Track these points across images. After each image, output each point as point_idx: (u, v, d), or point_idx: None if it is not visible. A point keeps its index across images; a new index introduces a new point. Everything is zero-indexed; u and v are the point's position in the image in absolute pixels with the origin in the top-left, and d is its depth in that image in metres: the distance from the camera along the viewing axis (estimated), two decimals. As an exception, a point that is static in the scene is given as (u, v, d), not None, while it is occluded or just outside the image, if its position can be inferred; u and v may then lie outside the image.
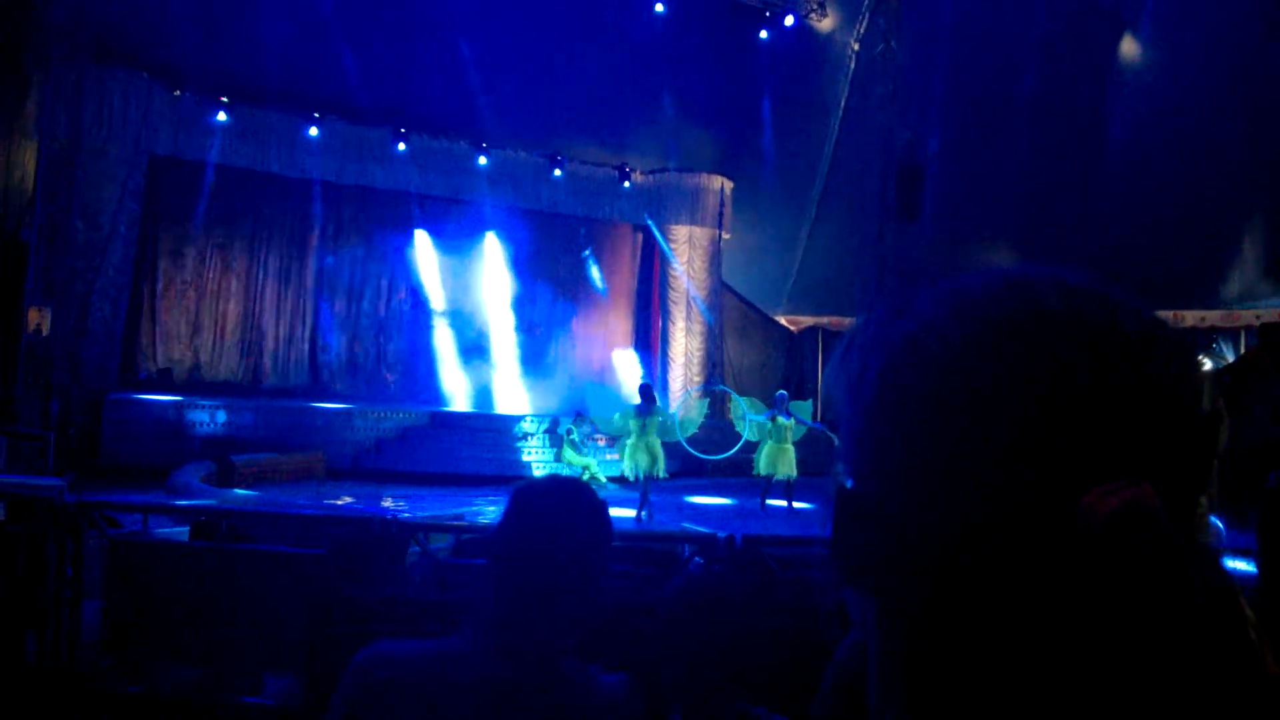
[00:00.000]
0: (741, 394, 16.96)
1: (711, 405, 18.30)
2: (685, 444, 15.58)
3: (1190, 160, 18.05)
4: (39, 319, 14.84)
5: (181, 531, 5.15)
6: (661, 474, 12.77)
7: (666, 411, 14.15)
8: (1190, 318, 19.75)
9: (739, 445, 15.67)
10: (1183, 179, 18.12)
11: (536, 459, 16.61)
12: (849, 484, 0.62)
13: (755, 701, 1.61)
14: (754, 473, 13.89)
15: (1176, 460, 0.56)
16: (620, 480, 14.04)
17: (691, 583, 1.72)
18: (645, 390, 12.97)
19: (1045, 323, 0.57)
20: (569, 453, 14.54)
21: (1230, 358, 19.65)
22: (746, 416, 14.52)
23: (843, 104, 21.80)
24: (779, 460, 13.28)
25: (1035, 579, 0.53)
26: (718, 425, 17.61)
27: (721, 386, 19.22)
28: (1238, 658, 0.49)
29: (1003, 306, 0.58)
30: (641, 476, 12.50)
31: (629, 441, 12.66)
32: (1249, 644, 0.49)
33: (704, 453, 16.18)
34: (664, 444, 12.94)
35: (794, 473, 13.33)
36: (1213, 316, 19.78)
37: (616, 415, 13.00)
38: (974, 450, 0.55)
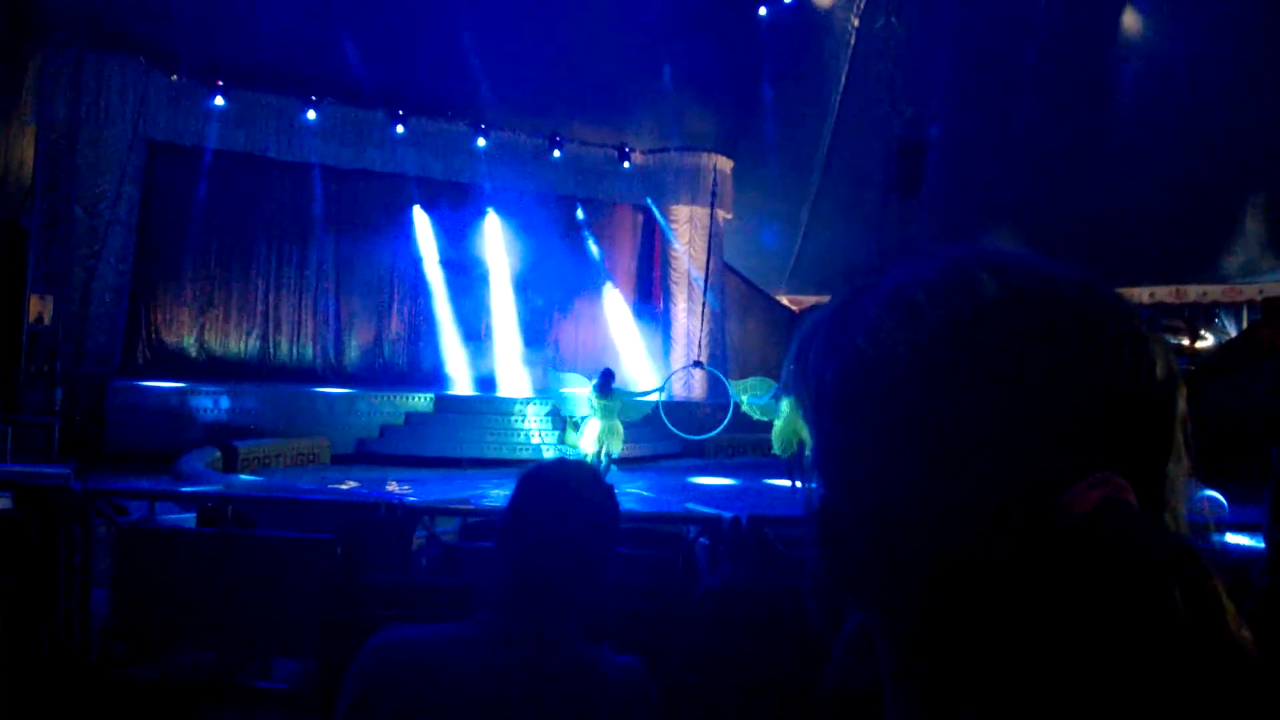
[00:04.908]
0: (745, 374, 16.95)
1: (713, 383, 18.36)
2: (668, 422, 15.63)
3: (1192, 135, 17.98)
4: (41, 307, 14.85)
5: (188, 518, 5.17)
6: (616, 454, 13.36)
7: (626, 395, 14.33)
8: (1193, 292, 19.73)
9: (722, 425, 15.71)
10: (1185, 154, 18.05)
11: (540, 442, 16.64)
12: (824, 495, 0.62)
13: (774, 704, 1.61)
14: (773, 452, 13.92)
15: (1138, 432, 0.56)
16: (616, 461, 14.13)
17: (713, 598, 1.71)
18: (606, 375, 13.42)
19: (989, 315, 0.57)
20: (572, 435, 14.55)
21: (1232, 332, 19.64)
22: (748, 399, 14.52)
23: (843, 81, 21.70)
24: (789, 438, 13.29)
25: (1020, 576, 0.53)
26: (712, 403, 17.67)
27: (698, 364, 19.25)
28: (1216, 648, 0.49)
29: (942, 306, 0.57)
30: (599, 453, 13.06)
31: (590, 420, 13.27)
32: (1227, 633, 0.50)
33: (687, 432, 16.17)
34: (627, 424, 13.59)
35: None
36: (1215, 291, 19.75)
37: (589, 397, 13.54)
38: (940, 458, 0.55)
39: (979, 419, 0.55)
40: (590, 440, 13.11)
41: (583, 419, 13.64)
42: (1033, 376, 0.55)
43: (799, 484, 13.27)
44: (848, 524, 0.60)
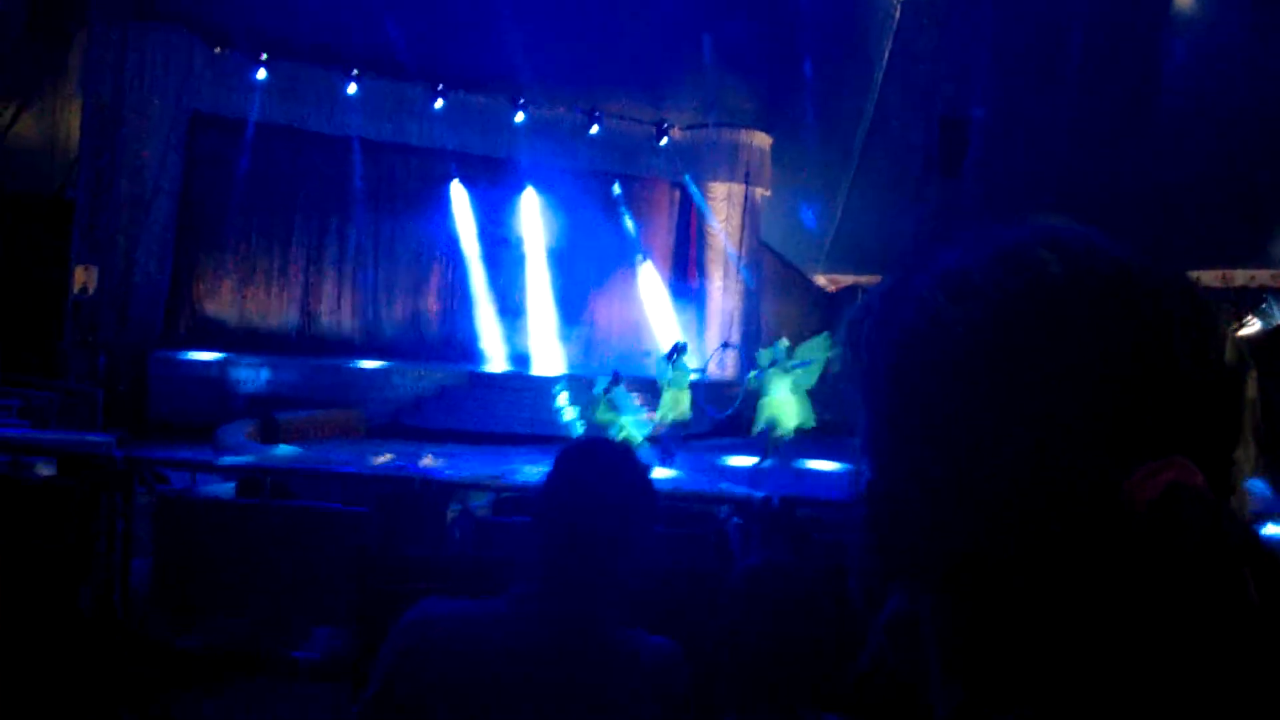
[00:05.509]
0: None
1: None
2: (698, 401, 15.91)
3: (1241, 116, 17.56)
4: (86, 277, 15.09)
5: (228, 488, 5.25)
6: (686, 418, 14.73)
7: (684, 369, 15.14)
8: (1240, 276, 19.33)
9: (734, 405, 16.14)
10: (1234, 135, 17.63)
11: (573, 419, 16.69)
12: (872, 478, 0.61)
13: (814, 697, 1.59)
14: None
15: (1206, 418, 0.54)
16: (655, 440, 14.31)
17: (752, 577, 1.69)
18: (676, 346, 15.12)
19: (1049, 296, 0.55)
20: (603, 411, 14.59)
21: (1281, 318, 19.24)
22: (753, 375, 14.80)
23: (885, 57, 21.38)
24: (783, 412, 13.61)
25: (1080, 564, 0.52)
26: (742, 383, 17.74)
27: (727, 345, 19.50)
28: None
29: (1002, 286, 0.56)
30: (663, 418, 14.54)
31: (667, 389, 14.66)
32: None
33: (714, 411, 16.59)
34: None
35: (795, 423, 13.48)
36: (1263, 276, 19.33)
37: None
38: (996, 442, 0.54)
39: (1040, 399, 0.53)
40: (663, 407, 14.52)
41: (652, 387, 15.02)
42: (1098, 357, 0.53)
43: (764, 461, 13.64)
44: (897, 507, 0.58)
